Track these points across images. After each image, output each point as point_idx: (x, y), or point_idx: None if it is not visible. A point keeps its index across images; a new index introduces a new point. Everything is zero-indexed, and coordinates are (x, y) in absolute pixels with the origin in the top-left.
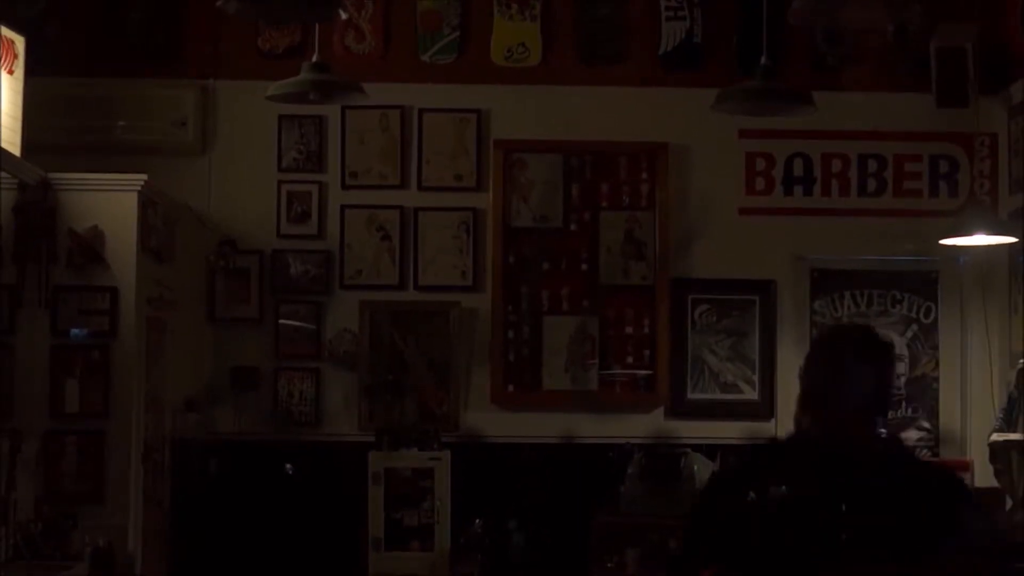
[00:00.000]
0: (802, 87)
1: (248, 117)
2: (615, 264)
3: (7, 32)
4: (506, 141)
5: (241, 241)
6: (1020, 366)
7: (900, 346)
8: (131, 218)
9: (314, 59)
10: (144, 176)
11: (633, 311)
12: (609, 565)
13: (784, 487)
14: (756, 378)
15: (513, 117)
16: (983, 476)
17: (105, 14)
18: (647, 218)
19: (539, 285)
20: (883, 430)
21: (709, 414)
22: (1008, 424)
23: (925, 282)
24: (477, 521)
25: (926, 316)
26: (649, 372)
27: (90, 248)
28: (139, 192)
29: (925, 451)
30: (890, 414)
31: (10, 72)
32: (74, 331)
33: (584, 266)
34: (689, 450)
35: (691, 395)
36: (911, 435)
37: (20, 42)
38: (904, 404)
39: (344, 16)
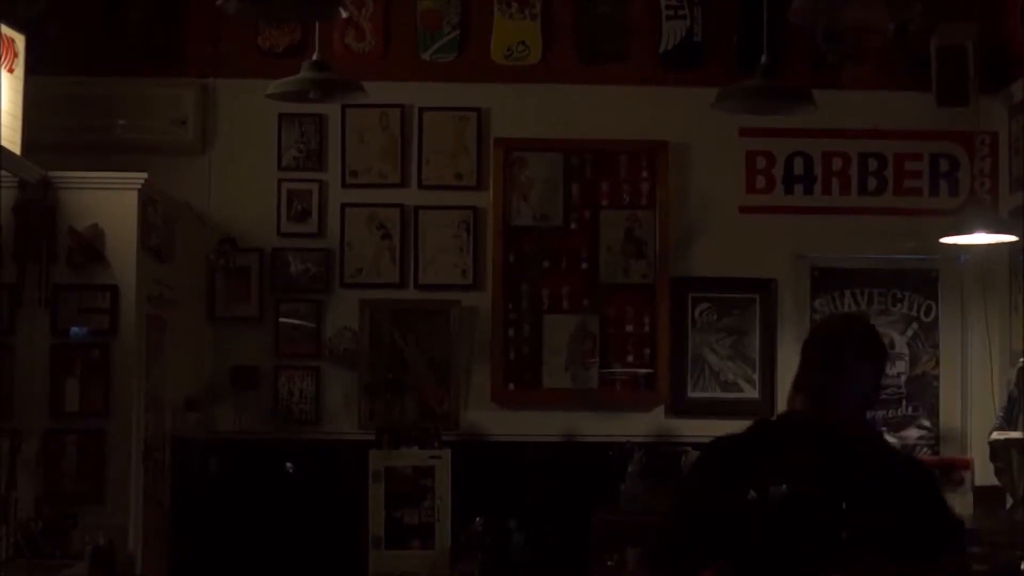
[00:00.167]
0: (802, 86)
1: (248, 116)
2: (615, 263)
3: (7, 31)
4: (506, 140)
5: (241, 240)
6: (1020, 364)
7: (901, 344)
8: (131, 217)
9: (314, 58)
10: (144, 175)
11: (633, 310)
12: (609, 564)
13: (784, 485)
14: (756, 377)
15: (513, 116)
16: (983, 474)
17: (105, 13)
18: (647, 217)
19: (539, 284)
20: (884, 430)
21: (709, 412)
22: (1008, 422)
23: (925, 281)
24: (477, 520)
25: (926, 315)
26: (649, 371)
27: (90, 247)
28: (139, 191)
29: (925, 449)
30: (890, 412)
31: (10, 71)
32: (74, 330)
33: (584, 265)
34: (690, 448)
35: (691, 394)
36: (911, 433)
37: (20, 41)
38: (904, 402)
39: (344, 14)
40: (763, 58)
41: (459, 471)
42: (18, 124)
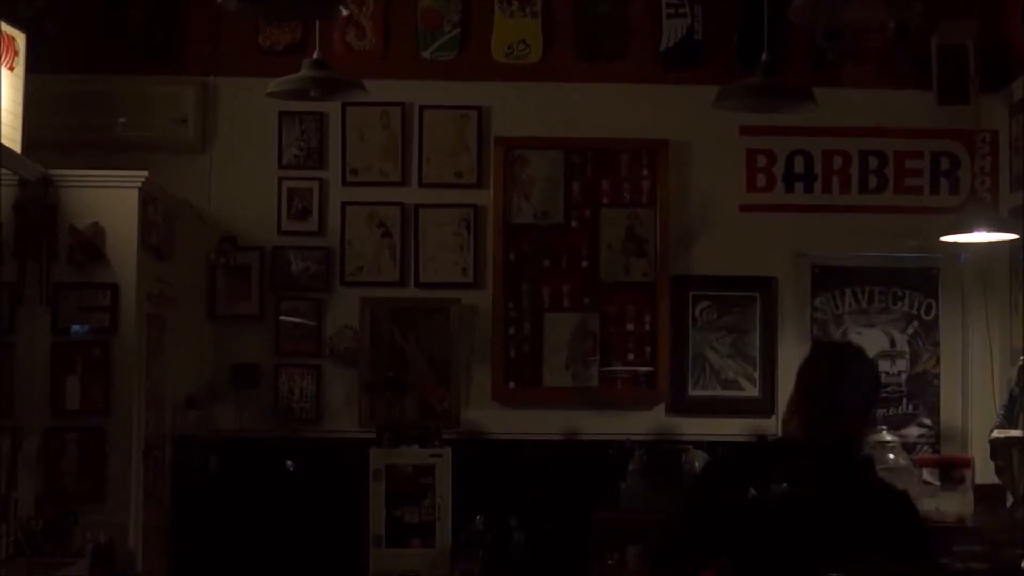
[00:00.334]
0: (803, 84)
1: (248, 114)
2: (616, 261)
3: (8, 29)
4: (507, 138)
5: (241, 238)
6: (1021, 363)
7: (901, 343)
8: (132, 215)
9: (315, 56)
10: (145, 173)
11: (634, 308)
12: (610, 562)
13: (785, 484)
14: (757, 375)
15: (514, 114)
16: (984, 473)
17: (106, 11)
18: (648, 215)
19: (540, 282)
20: (884, 428)
21: (710, 411)
22: (1009, 421)
23: (926, 279)
24: (478, 518)
25: (927, 313)
26: (650, 369)
27: (91, 245)
28: (140, 189)
29: (926, 448)
30: (891, 410)
31: (11, 69)
32: (75, 328)
33: (585, 263)
34: (690, 447)
35: (692, 392)
36: (912, 432)
37: (21, 39)
38: (905, 401)
39: (345, 12)
40: (763, 56)
41: (460, 469)
42: (18, 122)
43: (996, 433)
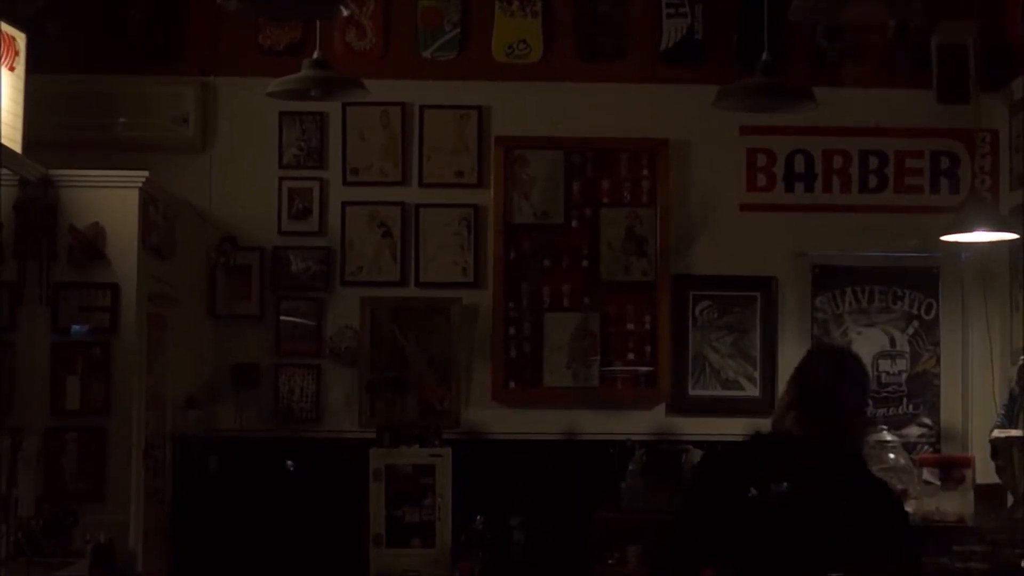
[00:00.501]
0: (803, 83)
1: (249, 114)
2: (616, 260)
3: (8, 29)
4: (507, 138)
5: (242, 238)
6: (1021, 362)
7: (901, 342)
8: (132, 215)
9: (315, 56)
10: (145, 173)
11: (634, 307)
12: (610, 562)
13: (785, 484)
14: (757, 375)
15: (514, 114)
16: (984, 473)
17: (106, 11)
18: (648, 214)
19: (540, 281)
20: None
21: (710, 410)
22: (1009, 420)
23: (926, 278)
24: (478, 518)
25: (927, 312)
26: (650, 368)
27: (91, 245)
28: (140, 189)
29: (926, 447)
30: (891, 410)
31: (11, 69)
32: (75, 328)
33: (585, 262)
34: (690, 446)
35: (692, 391)
36: (912, 431)
37: (21, 39)
38: (905, 400)
39: (345, 12)
40: (764, 56)
41: (460, 469)
42: (19, 122)
43: (996, 433)
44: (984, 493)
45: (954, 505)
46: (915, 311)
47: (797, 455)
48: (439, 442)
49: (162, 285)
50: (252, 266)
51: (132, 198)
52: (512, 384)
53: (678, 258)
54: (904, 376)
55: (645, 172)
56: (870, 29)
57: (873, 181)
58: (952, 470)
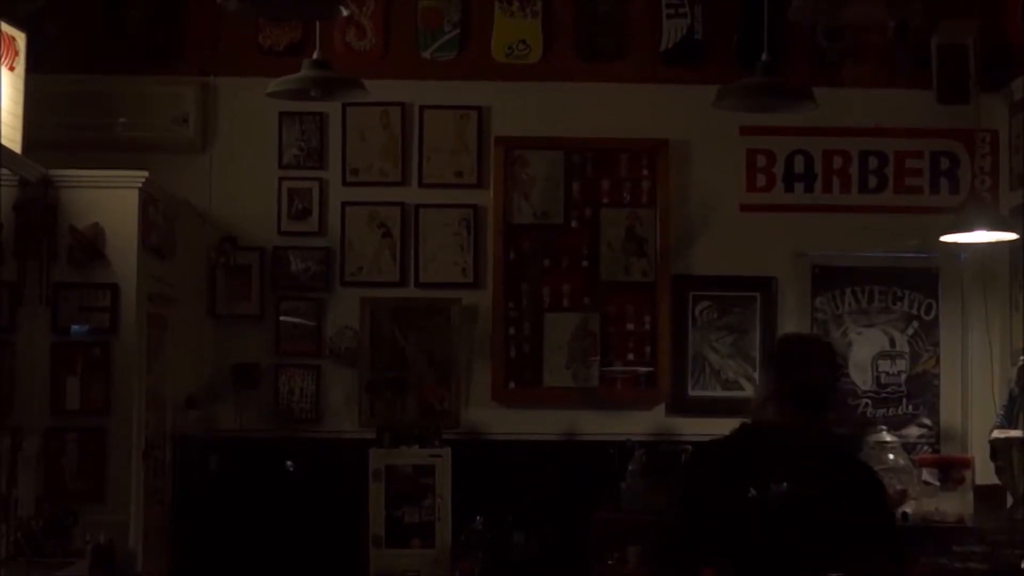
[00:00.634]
0: (803, 84)
1: (249, 114)
2: (616, 261)
3: (8, 29)
4: (507, 138)
5: (242, 238)
6: (1021, 363)
7: (901, 343)
8: (132, 215)
9: (315, 56)
10: (145, 173)
11: (634, 308)
12: (610, 562)
13: (785, 484)
14: (757, 375)
15: (514, 114)
16: (984, 473)
17: (106, 11)
18: (648, 215)
19: (540, 282)
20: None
21: (710, 411)
22: (1009, 421)
23: (926, 279)
24: (478, 518)
25: (927, 313)
26: (650, 369)
27: (91, 245)
28: (140, 189)
29: (926, 448)
30: (891, 410)
31: (11, 69)
32: (75, 328)
33: (585, 263)
34: (690, 447)
35: (692, 392)
36: (912, 432)
37: (21, 39)
38: (905, 401)
39: (345, 12)
40: (763, 56)
41: (460, 470)
42: (19, 122)
43: (996, 433)
44: (984, 494)
45: (954, 506)
46: (915, 311)
47: (797, 455)
48: (439, 442)
49: (162, 285)
50: (252, 266)
51: (132, 198)
52: (512, 384)
53: (678, 258)
54: (904, 377)
55: (645, 172)
56: (870, 29)
57: (873, 181)
58: (952, 471)
